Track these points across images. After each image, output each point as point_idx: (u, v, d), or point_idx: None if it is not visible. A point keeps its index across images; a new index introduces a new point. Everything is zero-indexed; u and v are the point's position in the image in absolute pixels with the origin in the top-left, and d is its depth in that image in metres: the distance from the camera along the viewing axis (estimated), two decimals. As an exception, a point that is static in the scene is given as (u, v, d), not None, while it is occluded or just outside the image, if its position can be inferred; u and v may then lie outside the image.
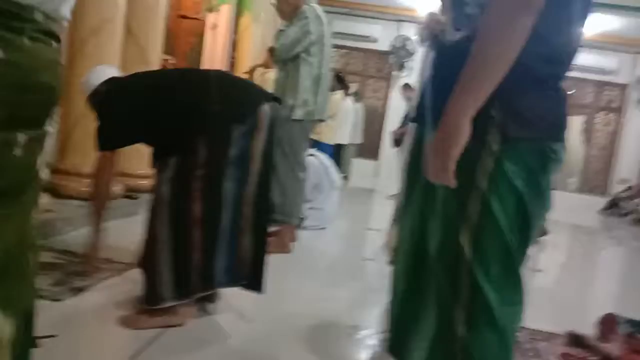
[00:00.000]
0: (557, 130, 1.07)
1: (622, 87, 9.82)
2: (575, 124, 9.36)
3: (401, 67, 9.99)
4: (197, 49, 5.74)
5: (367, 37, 9.91)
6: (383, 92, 10.33)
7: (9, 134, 0.85)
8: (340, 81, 7.07)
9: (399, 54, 9.96)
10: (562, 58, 1.05)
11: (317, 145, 5.69)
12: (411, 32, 9.26)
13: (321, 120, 3.24)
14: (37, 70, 0.88)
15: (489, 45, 0.95)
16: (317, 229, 3.93)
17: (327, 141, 6.55)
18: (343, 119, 7.16)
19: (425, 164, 1.04)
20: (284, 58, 2.98)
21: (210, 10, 5.77)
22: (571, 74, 1.10)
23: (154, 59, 3.67)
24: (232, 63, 6.23)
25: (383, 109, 10.17)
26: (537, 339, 2.30)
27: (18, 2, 0.82)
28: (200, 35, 5.76)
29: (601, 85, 9.84)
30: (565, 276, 4.22)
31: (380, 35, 9.94)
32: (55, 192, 3.11)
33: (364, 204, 6.81)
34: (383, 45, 9.97)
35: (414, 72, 8.90)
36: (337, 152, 7.36)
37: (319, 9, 3.06)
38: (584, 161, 9.40)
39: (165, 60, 4.50)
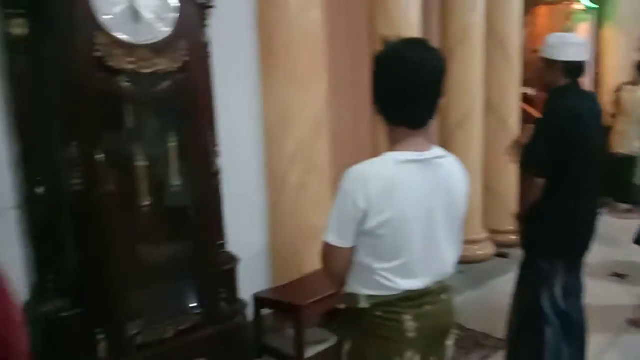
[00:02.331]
0: None
1: None
2: None
3: None
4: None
5: None
6: None
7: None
8: None
9: None
10: None
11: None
12: None
13: None
14: (438, 321, 1.44)
15: None
16: None
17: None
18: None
19: None
20: None
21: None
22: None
23: (512, 125, 4.07)
24: (596, 80, 5.96)
25: None
26: None
27: (419, 289, 1.38)
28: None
29: None
30: None
31: None
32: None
33: None
34: None
35: None
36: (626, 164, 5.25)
37: None
38: None
39: (524, 93, 4.77)
